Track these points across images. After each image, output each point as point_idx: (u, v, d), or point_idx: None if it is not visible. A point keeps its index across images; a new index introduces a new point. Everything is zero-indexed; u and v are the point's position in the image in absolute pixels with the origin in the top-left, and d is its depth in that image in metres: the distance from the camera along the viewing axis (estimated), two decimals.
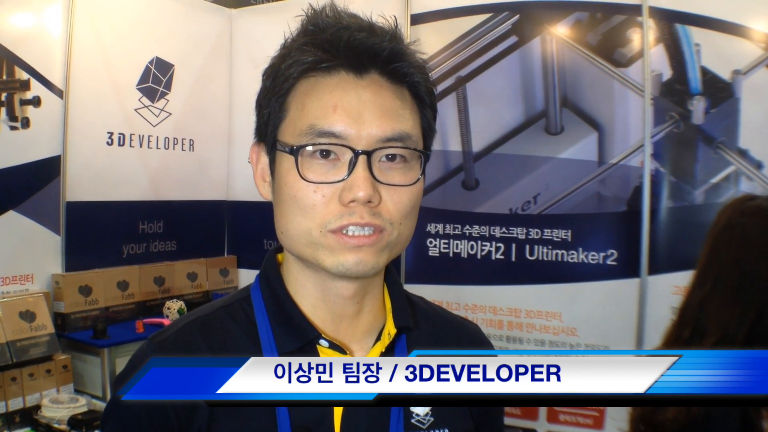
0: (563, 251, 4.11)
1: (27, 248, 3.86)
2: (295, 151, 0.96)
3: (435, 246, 4.40)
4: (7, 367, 3.36)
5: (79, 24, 4.05)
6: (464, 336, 1.20)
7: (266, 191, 1.07)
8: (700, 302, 1.64)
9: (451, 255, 4.38)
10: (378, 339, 1.07)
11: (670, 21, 3.86)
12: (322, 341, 1.03)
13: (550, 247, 4.15)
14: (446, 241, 4.38)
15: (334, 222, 0.95)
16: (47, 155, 3.93)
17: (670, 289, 3.75)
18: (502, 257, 4.24)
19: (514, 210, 4.24)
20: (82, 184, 4.13)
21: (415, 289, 1.28)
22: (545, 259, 4.15)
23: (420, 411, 1.05)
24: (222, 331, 1.04)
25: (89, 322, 4.03)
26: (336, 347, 1.03)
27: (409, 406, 1.04)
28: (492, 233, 4.27)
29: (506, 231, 4.21)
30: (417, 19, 4.44)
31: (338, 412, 1.00)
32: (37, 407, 3.37)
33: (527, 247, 4.19)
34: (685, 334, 1.64)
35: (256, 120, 1.06)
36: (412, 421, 1.04)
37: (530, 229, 4.19)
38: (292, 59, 0.99)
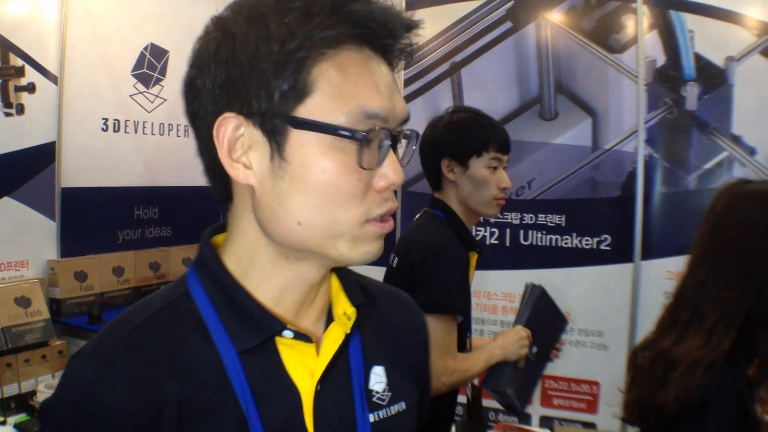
0: (557, 236, 4.13)
1: (22, 234, 3.85)
2: (362, 138, 0.86)
3: None
4: (3, 353, 3.36)
5: (74, 10, 4.02)
6: (402, 304, 1.18)
7: (243, 174, 0.89)
8: (699, 285, 1.63)
9: None
10: (329, 321, 1.01)
11: (664, 7, 3.87)
12: (286, 332, 0.93)
13: (544, 232, 4.16)
14: None
15: (376, 209, 0.89)
16: (42, 141, 3.92)
17: (663, 274, 3.78)
18: (496, 242, 4.26)
19: (508, 195, 4.24)
20: (77, 170, 4.12)
21: None
22: (539, 244, 4.17)
23: (378, 388, 1.04)
24: (172, 337, 0.91)
25: (85, 307, 4.03)
26: (301, 336, 0.94)
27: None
28: (486, 218, 4.28)
29: (500, 216, 4.21)
30: (412, 4, 4.43)
31: (308, 404, 0.94)
32: (33, 393, 3.36)
33: (521, 232, 4.21)
34: (683, 317, 1.63)
35: (229, 86, 0.87)
36: (374, 399, 1.03)
37: (524, 215, 4.20)
38: (314, 25, 0.84)
